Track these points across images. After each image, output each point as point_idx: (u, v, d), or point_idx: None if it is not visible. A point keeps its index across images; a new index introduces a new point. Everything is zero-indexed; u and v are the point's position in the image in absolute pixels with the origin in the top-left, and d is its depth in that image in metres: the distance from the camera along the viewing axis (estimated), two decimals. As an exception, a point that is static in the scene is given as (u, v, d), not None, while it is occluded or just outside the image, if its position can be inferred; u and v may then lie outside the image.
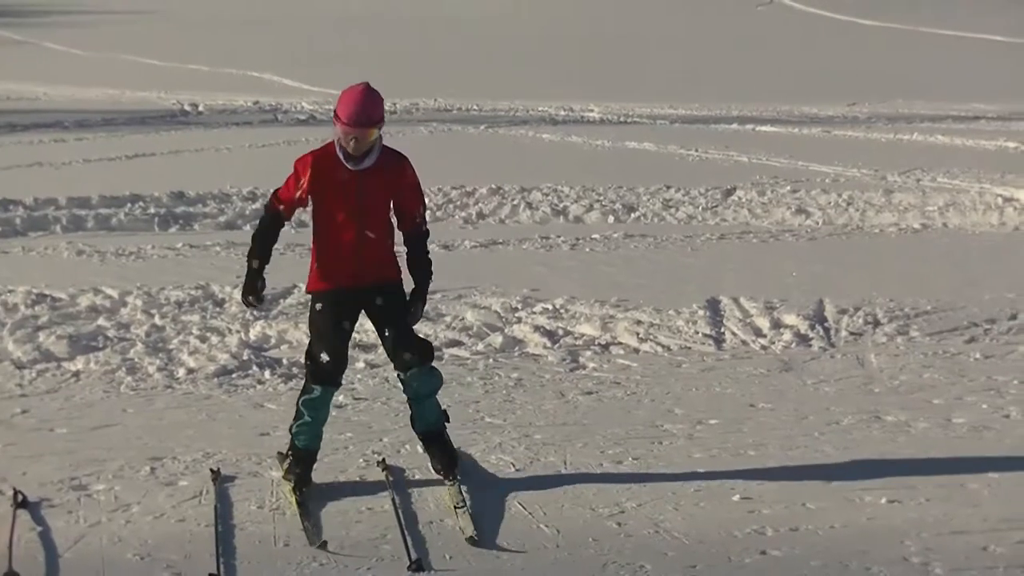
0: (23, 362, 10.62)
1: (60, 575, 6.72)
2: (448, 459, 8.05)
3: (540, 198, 18.88)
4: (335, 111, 7.78)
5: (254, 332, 11.44)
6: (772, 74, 42.54)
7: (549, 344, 11.35)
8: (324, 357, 7.81)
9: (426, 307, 8.26)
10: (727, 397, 10.02)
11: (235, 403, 9.76)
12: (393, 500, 7.63)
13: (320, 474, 8.15)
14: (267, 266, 7.99)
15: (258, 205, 17.35)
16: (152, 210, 17.61)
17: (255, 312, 7.88)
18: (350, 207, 7.79)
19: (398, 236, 8.09)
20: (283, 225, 8.05)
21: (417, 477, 8.17)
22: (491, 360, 10.94)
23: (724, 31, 60.08)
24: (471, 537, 7.17)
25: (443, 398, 9.71)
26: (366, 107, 7.74)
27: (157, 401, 9.77)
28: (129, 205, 17.75)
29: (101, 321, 11.76)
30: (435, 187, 19.20)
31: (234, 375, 10.41)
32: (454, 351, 11.16)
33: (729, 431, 9.14)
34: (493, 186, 19.42)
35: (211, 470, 8.12)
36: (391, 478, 8.04)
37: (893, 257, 15.55)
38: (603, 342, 11.47)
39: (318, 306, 7.90)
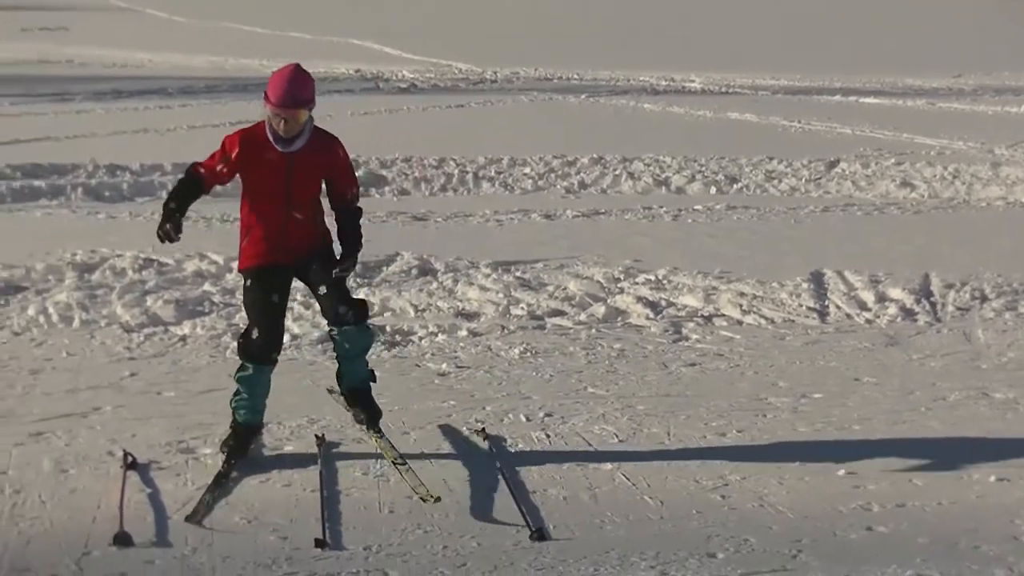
0: (132, 326, 10.75)
1: (169, 536, 6.77)
2: (371, 414, 8.04)
3: (642, 168, 18.82)
4: (265, 92, 7.65)
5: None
6: (875, 45, 42.05)
7: (652, 315, 11.31)
8: (254, 333, 7.75)
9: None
10: (831, 371, 9.94)
11: (339, 369, 9.79)
12: (501, 470, 7.63)
13: (423, 442, 8.19)
14: (183, 216, 7.67)
15: (361, 172, 17.40)
16: (256, 177, 17.68)
17: (170, 244, 7.69)
18: (279, 189, 7.70)
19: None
20: (202, 189, 7.77)
21: (520, 446, 8.17)
22: (594, 330, 10.91)
23: (824, 1, 59.46)
24: (435, 497, 7.12)
25: (545, 367, 9.82)
26: (294, 88, 7.60)
27: (262, 366, 9.81)
28: (233, 171, 17.85)
29: (207, 286, 11.87)
30: (536, 156, 19.23)
31: (338, 342, 10.43)
32: (556, 320, 11.14)
33: (834, 405, 9.07)
34: (595, 156, 19.37)
35: (316, 436, 8.16)
36: (493, 448, 8.04)
37: (1000, 231, 15.35)
38: (706, 314, 11.41)
39: (248, 282, 7.86)
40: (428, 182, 17.73)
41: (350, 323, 7.88)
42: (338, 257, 7.88)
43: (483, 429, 8.34)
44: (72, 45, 41.98)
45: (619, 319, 11.25)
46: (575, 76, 33.10)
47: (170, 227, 7.57)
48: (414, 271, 12.62)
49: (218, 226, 14.81)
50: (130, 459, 7.67)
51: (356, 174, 8.17)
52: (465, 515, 7.10)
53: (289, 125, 7.61)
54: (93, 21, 51.96)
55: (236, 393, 7.95)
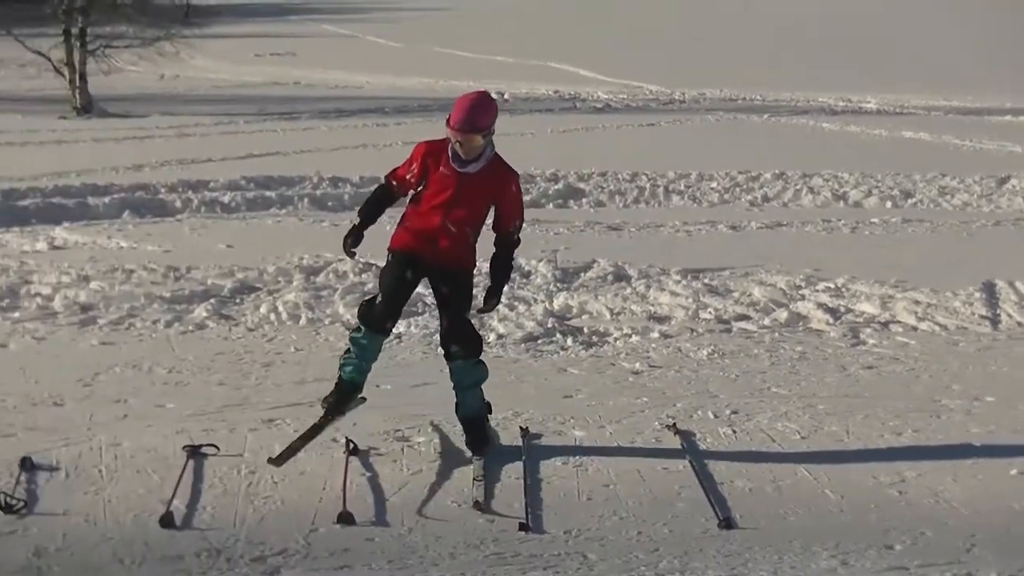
0: (352, 324, 10.88)
1: (387, 517, 6.85)
2: (480, 442, 7.78)
3: (821, 183, 18.58)
4: (450, 112, 7.56)
5: (558, 302, 11.52)
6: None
7: (831, 320, 11.14)
8: (379, 299, 7.70)
9: (502, 296, 7.84)
10: (1003, 376, 9.68)
11: (540, 367, 9.83)
12: (691, 462, 7.58)
13: (618, 435, 8.17)
14: (370, 226, 7.83)
15: (560, 186, 17.48)
16: (464, 189, 17.80)
17: (350, 257, 7.83)
18: (443, 200, 7.58)
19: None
20: (394, 198, 7.89)
21: (708, 440, 8.10)
22: (776, 334, 10.78)
23: (995, 25, 58.04)
24: (476, 501, 7.03)
25: (731, 368, 9.73)
26: (473, 115, 7.48)
27: (470, 363, 9.87)
28: (443, 184, 18.00)
29: (420, 289, 11.89)
30: (722, 171, 19.13)
31: (539, 341, 10.48)
32: (742, 325, 11.04)
33: (1006, 408, 8.83)
34: (777, 171, 19.19)
35: (520, 428, 8.19)
36: (684, 443, 7.99)
37: None
38: (883, 320, 11.21)
39: (389, 257, 7.78)
40: (622, 195, 17.72)
41: (459, 359, 7.78)
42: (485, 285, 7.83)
43: (674, 424, 8.30)
44: (299, 68, 42.79)
45: (800, 324, 11.10)
46: (758, 97, 32.76)
47: (349, 242, 7.77)
48: (610, 277, 12.60)
49: (430, 234, 14.92)
50: (352, 446, 7.77)
51: (524, 204, 7.99)
52: (657, 503, 7.06)
53: (465, 148, 7.54)
54: (318, 47, 52.86)
55: (347, 351, 7.88)
